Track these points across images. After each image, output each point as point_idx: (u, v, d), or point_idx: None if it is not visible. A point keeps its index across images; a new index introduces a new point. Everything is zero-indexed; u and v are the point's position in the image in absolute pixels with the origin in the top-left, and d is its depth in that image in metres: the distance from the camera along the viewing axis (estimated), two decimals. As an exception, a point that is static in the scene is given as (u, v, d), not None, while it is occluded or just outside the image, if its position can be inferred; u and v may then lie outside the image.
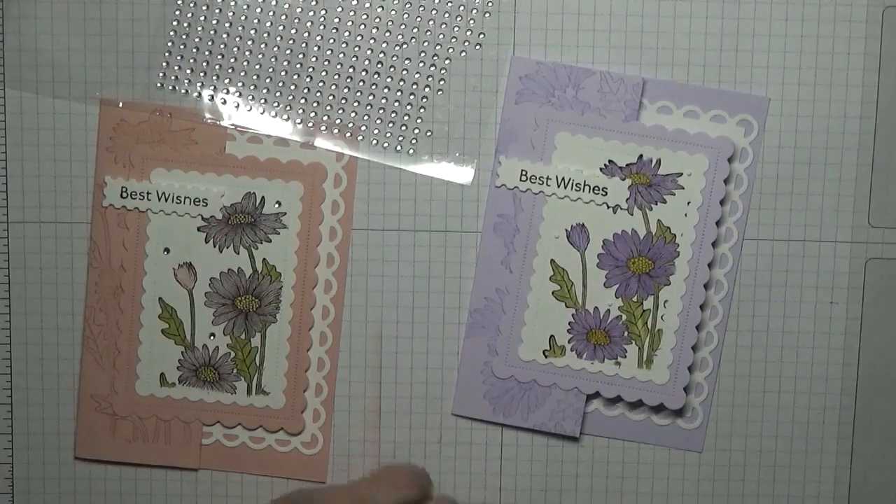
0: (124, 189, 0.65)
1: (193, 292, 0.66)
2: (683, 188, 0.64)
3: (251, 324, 0.66)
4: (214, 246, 0.66)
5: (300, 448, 0.67)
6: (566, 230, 0.64)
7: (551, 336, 0.65)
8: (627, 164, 0.64)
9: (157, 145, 0.65)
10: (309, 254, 0.66)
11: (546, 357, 0.65)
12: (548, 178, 0.64)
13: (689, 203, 0.64)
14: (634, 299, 0.64)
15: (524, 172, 0.64)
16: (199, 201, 0.65)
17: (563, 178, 0.64)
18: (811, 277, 0.65)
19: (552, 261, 0.65)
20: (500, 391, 0.65)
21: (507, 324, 0.65)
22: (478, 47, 0.64)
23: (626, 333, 0.65)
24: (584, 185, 0.64)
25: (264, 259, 0.66)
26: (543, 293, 0.65)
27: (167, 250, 0.66)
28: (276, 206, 0.65)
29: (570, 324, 0.65)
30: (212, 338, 0.66)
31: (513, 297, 0.65)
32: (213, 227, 0.65)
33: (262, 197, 0.65)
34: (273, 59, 0.64)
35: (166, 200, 0.65)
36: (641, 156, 0.64)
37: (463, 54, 0.64)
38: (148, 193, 0.65)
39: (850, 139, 0.65)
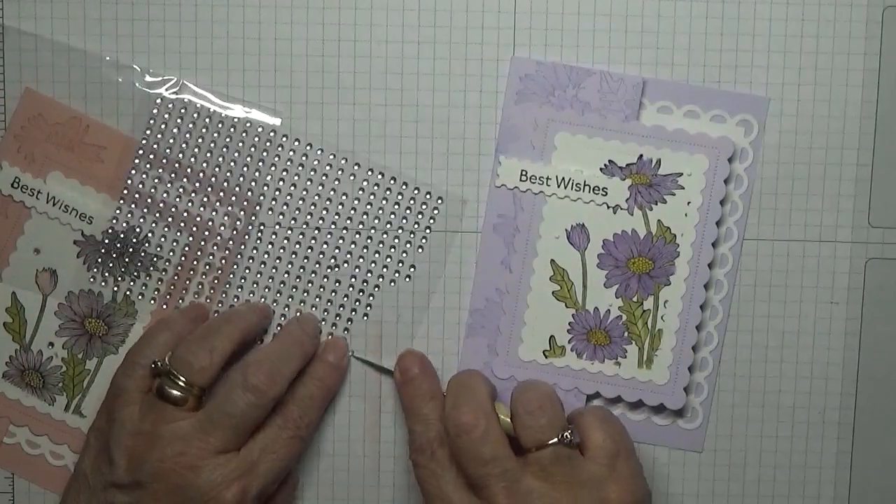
0: (17, 180, 0.65)
1: (48, 299, 0.66)
2: (683, 188, 0.64)
3: (92, 346, 0.66)
4: (84, 263, 0.66)
5: None
6: (566, 230, 0.64)
7: (551, 336, 0.65)
8: (627, 164, 0.64)
9: (65, 151, 0.65)
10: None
11: (546, 357, 0.65)
12: (548, 178, 0.64)
13: (689, 203, 0.64)
14: (634, 299, 0.64)
15: (524, 172, 0.64)
16: (84, 217, 0.65)
17: (563, 178, 0.64)
18: (811, 277, 0.65)
19: (552, 261, 0.65)
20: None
21: (507, 324, 0.65)
22: (478, 47, 0.64)
23: (626, 333, 0.65)
24: (584, 185, 0.64)
25: (126, 293, 0.66)
26: (543, 293, 0.65)
27: (37, 251, 0.66)
28: (158, 248, 0.66)
29: (570, 324, 0.65)
30: (50, 346, 0.66)
31: (513, 297, 0.65)
32: (89, 245, 0.66)
33: (148, 234, 0.66)
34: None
35: (54, 205, 0.65)
36: (641, 156, 0.64)
37: (463, 55, 0.64)
38: (38, 192, 0.65)
39: (850, 139, 0.65)
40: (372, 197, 0.65)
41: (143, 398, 0.61)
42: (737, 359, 0.66)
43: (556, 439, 0.59)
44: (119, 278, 0.66)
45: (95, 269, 0.66)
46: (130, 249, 0.65)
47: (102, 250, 0.66)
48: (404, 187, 0.65)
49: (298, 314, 0.66)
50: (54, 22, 0.65)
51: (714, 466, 0.66)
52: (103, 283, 0.66)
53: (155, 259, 0.65)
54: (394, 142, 0.65)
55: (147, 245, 0.65)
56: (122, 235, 0.65)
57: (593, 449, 0.60)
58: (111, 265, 0.66)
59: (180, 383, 0.61)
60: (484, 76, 0.65)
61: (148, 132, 0.65)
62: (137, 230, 0.65)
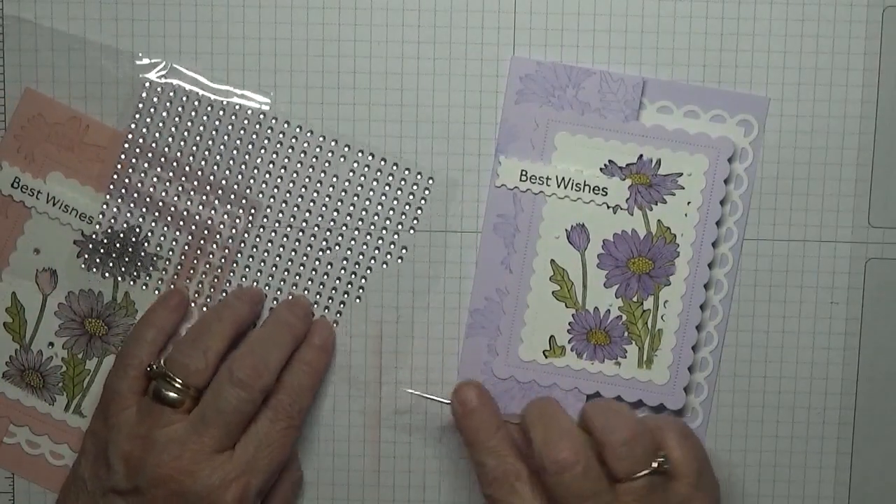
0: (17, 180, 0.65)
1: (48, 299, 0.66)
2: (683, 188, 0.64)
3: (92, 346, 0.66)
4: (84, 263, 0.66)
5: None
6: (566, 230, 0.64)
7: (551, 336, 0.65)
8: (627, 164, 0.64)
9: (65, 151, 0.65)
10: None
11: (546, 357, 0.65)
12: (548, 179, 0.64)
13: (689, 203, 0.64)
14: (634, 299, 0.64)
15: (524, 172, 0.64)
16: (84, 217, 0.65)
17: (563, 178, 0.64)
18: (811, 277, 0.65)
19: (552, 261, 0.65)
20: (500, 391, 0.65)
21: (507, 324, 0.65)
22: (478, 47, 0.64)
23: (626, 333, 0.65)
24: (584, 185, 0.64)
25: (126, 293, 0.66)
26: (543, 293, 0.65)
27: (37, 251, 0.66)
28: (158, 248, 0.66)
29: (570, 324, 0.65)
30: (50, 346, 0.67)
31: (513, 297, 0.65)
32: (89, 245, 0.66)
33: (148, 233, 0.65)
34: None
35: (54, 205, 0.65)
36: (641, 156, 0.64)
37: (463, 55, 0.64)
38: (38, 192, 0.65)
39: (850, 139, 0.65)
40: (371, 194, 0.65)
41: (139, 401, 0.61)
42: (737, 359, 0.66)
43: (650, 469, 0.58)
44: (119, 278, 0.66)
45: (95, 269, 0.66)
46: (130, 249, 0.65)
47: (102, 250, 0.66)
48: (403, 185, 0.65)
49: (290, 297, 0.66)
50: (54, 22, 0.65)
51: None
52: (103, 283, 0.66)
53: (155, 259, 0.65)
54: (394, 142, 0.65)
55: (147, 245, 0.65)
56: (121, 235, 0.65)
57: (679, 468, 0.58)
58: (111, 265, 0.66)
59: (177, 385, 0.60)
60: (484, 76, 0.65)
61: (145, 129, 0.65)
62: (137, 230, 0.65)
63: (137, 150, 0.65)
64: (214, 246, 0.65)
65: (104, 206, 0.65)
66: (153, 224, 0.65)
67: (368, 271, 0.66)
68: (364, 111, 0.65)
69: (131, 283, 0.66)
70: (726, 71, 0.64)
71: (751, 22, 0.64)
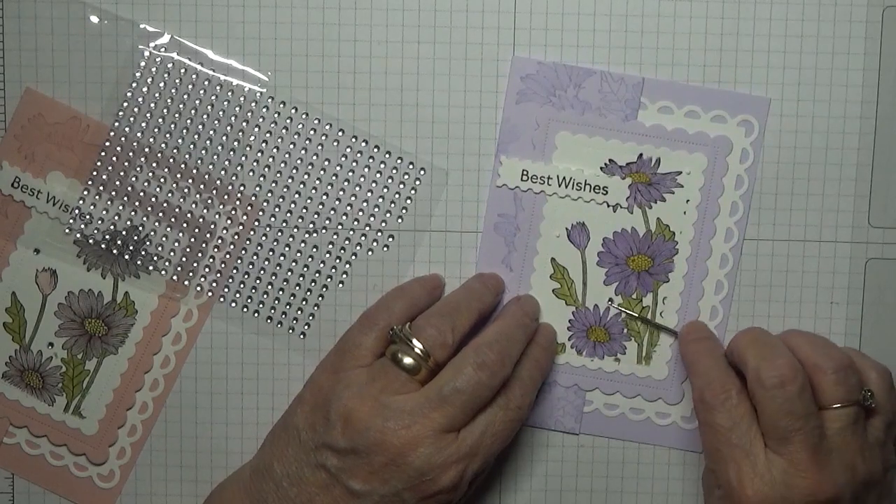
0: (17, 180, 0.65)
1: (48, 299, 0.66)
2: (682, 186, 0.64)
3: (92, 346, 0.66)
4: (84, 263, 0.66)
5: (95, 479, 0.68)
6: (566, 229, 0.64)
7: (551, 334, 0.65)
8: (627, 163, 0.64)
9: (65, 150, 0.65)
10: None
11: (546, 355, 0.65)
12: (548, 178, 0.64)
13: (687, 201, 0.64)
14: (634, 296, 0.64)
15: (525, 172, 0.64)
16: (84, 216, 0.65)
17: (563, 178, 0.64)
18: (811, 277, 0.65)
19: (552, 259, 0.65)
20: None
21: (507, 323, 0.65)
22: (478, 47, 0.64)
23: (625, 330, 0.65)
24: (585, 184, 0.64)
25: (126, 293, 0.66)
26: (544, 291, 0.65)
27: (37, 251, 0.66)
28: (159, 248, 0.66)
29: (570, 321, 0.65)
30: (49, 347, 0.66)
31: (513, 295, 0.65)
32: (88, 245, 0.66)
33: (149, 234, 0.65)
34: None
35: (54, 205, 0.65)
36: (641, 155, 0.64)
37: (463, 55, 0.64)
38: (38, 192, 0.65)
39: (850, 139, 0.65)
40: (369, 194, 0.65)
41: (374, 361, 0.60)
42: (737, 359, 0.66)
43: (859, 399, 0.58)
44: (120, 278, 0.66)
45: (94, 269, 0.66)
46: (131, 248, 0.65)
47: (103, 249, 0.66)
48: (402, 187, 0.65)
49: (518, 297, 0.65)
50: (54, 22, 0.65)
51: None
52: (103, 283, 0.66)
53: (155, 259, 0.65)
54: (394, 142, 0.65)
55: (148, 244, 0.65)
56: (123, 233, 0.65)
57: (881, 406, 0.59)
58: (111, 265, 0.66)
59: (417, 352, 0.59)
60: (484, 76, 0.65)
61: (144, 125, 0.65)
62: (140, 228, 0.65)
63: (128, 129, 0.65)
64: (216, 249, 0.65)
65: (85, 192, 0.65)
66: (146, 217, 0.65)
67: (376, 289, 0.66)
68: (364, 111, 0.65)
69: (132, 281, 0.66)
70: (726, 71, 0.64)
71: (751, 22, 0.64)
